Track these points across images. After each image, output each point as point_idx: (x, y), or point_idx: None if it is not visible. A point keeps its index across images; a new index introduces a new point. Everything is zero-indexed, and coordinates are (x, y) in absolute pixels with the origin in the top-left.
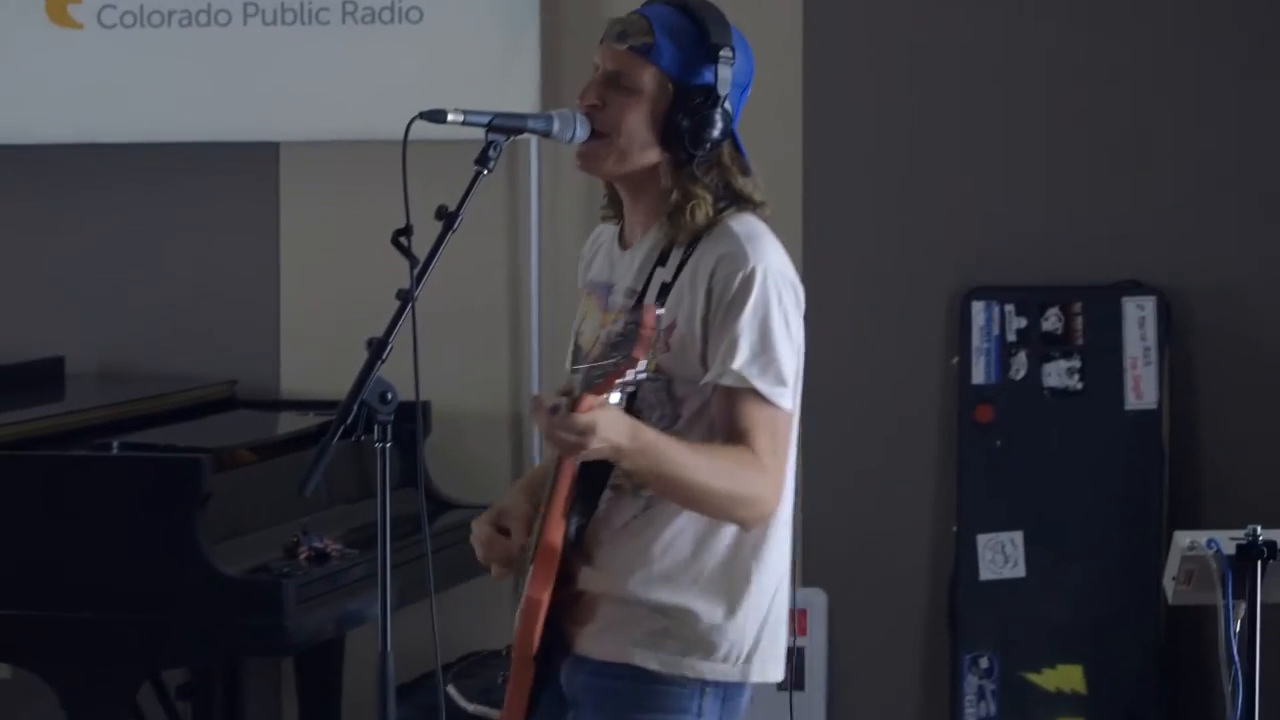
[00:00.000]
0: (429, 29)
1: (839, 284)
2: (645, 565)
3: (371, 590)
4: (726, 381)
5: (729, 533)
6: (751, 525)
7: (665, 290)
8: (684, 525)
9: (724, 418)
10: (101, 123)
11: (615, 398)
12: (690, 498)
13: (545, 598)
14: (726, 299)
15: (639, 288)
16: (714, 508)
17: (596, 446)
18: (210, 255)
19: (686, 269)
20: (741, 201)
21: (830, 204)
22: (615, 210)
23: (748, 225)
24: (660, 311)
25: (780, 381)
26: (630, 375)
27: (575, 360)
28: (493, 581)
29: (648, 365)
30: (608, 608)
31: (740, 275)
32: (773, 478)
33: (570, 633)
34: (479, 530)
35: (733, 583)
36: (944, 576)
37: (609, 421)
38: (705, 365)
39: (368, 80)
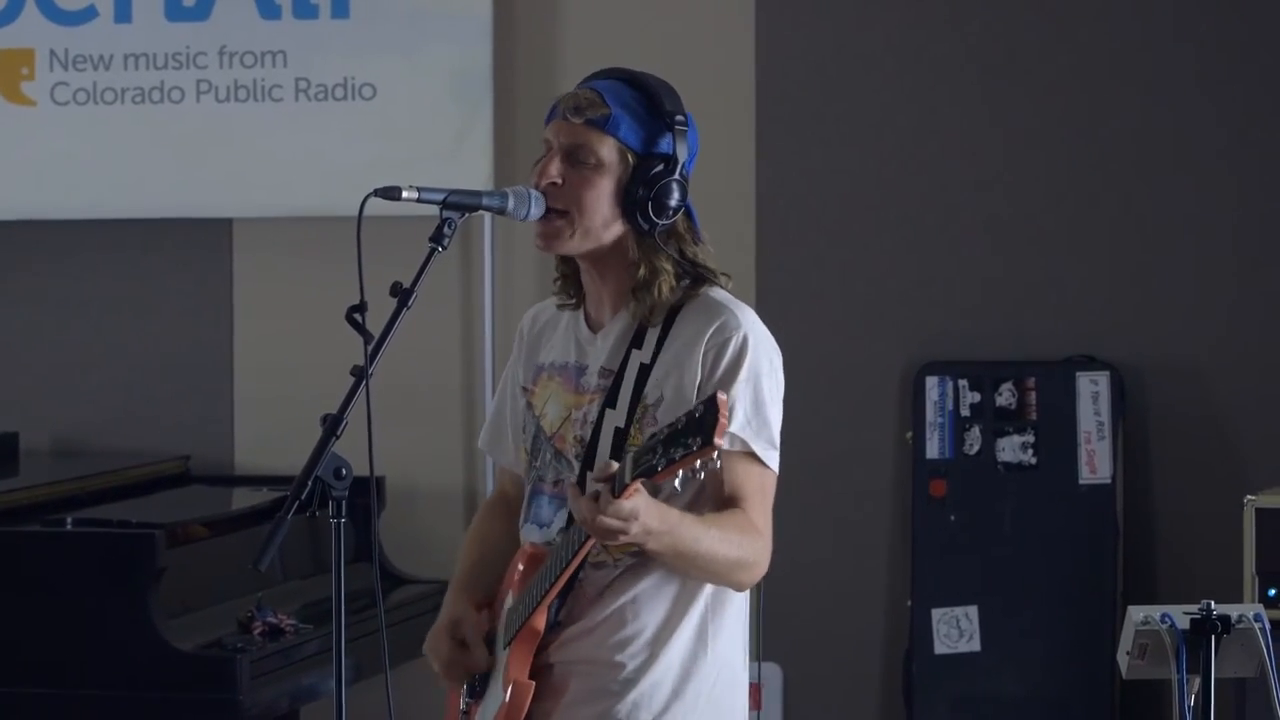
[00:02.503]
0: (382, 106)
1: (793, 360)
2: (621, 627)
3: (326, 665)
4: (722, 445)
5: (704, 594)
6: (746, 587)
7: (645, 371)
8: (656, 586)
9: (716, 479)
10: (55, 199)
11: (676, 483)
12: (701, 569)
13: (530, 681)
14: (721, 365)
15: (614, 368)
16: (719, 576)
17: (634, 533)
18: (164, 331)
19: (669, 345)
20: (703, 275)
21: (783, 279)
22: (570, 293)
23: (725, 296)
24: (723, 397)
25: (772, 445)
26: (702, 462)
27: (536, 443)
28: None
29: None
30: (581, 678)
31: (734, 342)
32: (766, 541)
33: (534, 710)
34: (438, 648)
35: (707, 642)
36: (899, 651)
37: (646, 506)
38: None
39: (321, 157)
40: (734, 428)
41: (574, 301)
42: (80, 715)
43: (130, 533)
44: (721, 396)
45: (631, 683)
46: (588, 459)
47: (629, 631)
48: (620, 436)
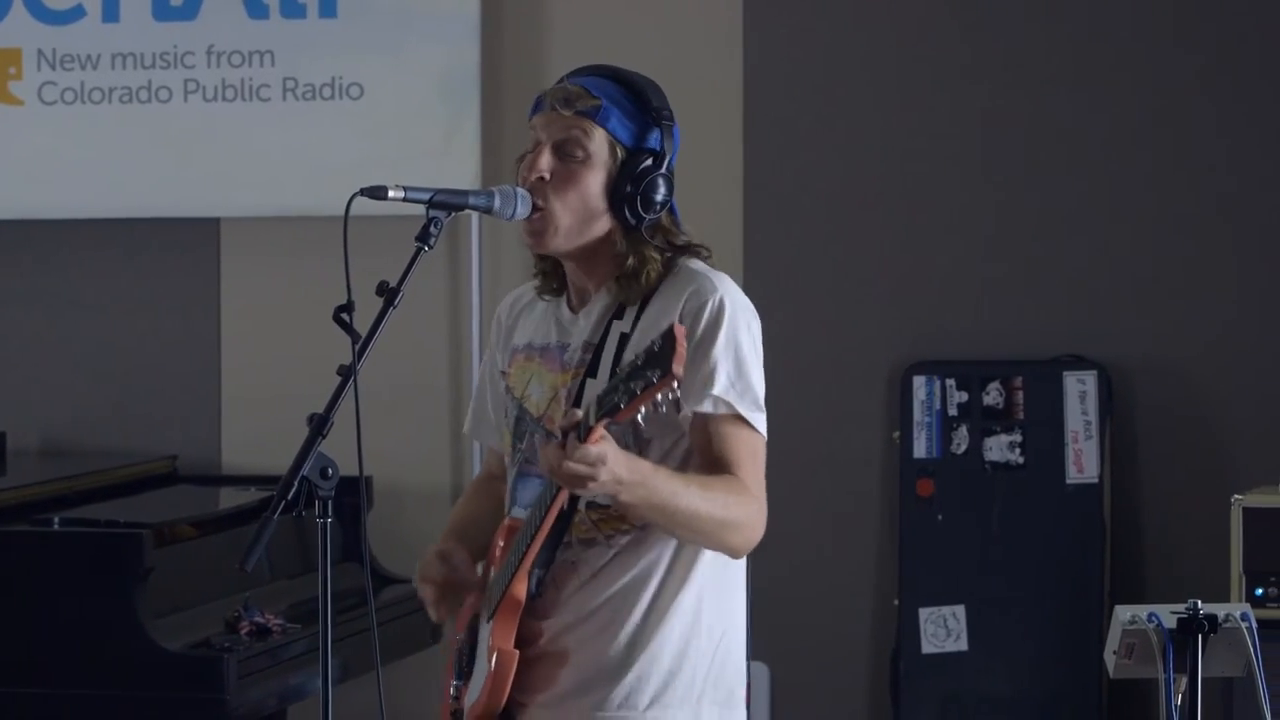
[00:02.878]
0: (369, 105)
1: (780, 358)
2: (619, 612)
3: (313, 665)
4: (706, 408)
5: (699, 575)
6: (741, 552)
7: (625, 340)
8: (652, 566)
9: (704, 444)
10: (42, 199)
11: (640, 418)
12: (685, 526)
13: (515, 649)
14: (698, 330)
15: (596, 341)
16: (707, 536)
17: (603, 480)
18: (151, 331)
19: (649, 313)
20: (686, 249)
21: (771, 279)
22: (549, 283)
23: (702, 266)
24: (680, 327)
25: (758, 406)
26: (664, 393)
27: (520, 425)
28: (435, 655)
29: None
30: (576, 665)
31: (710, 306)
32: (760, 503)
33: (519, 702)
34: (430, 571)
35: (701, 624)
36: (886, 650)
37: (614, 454)
38: (676, 401)
39: (308, 156)
40: (718, 390)
41: (554, 287)
42: (67, 715)
43: (118, 532)
44: (678, 326)
45: (627, 666)
46: None
47: (626, 616)
48: None
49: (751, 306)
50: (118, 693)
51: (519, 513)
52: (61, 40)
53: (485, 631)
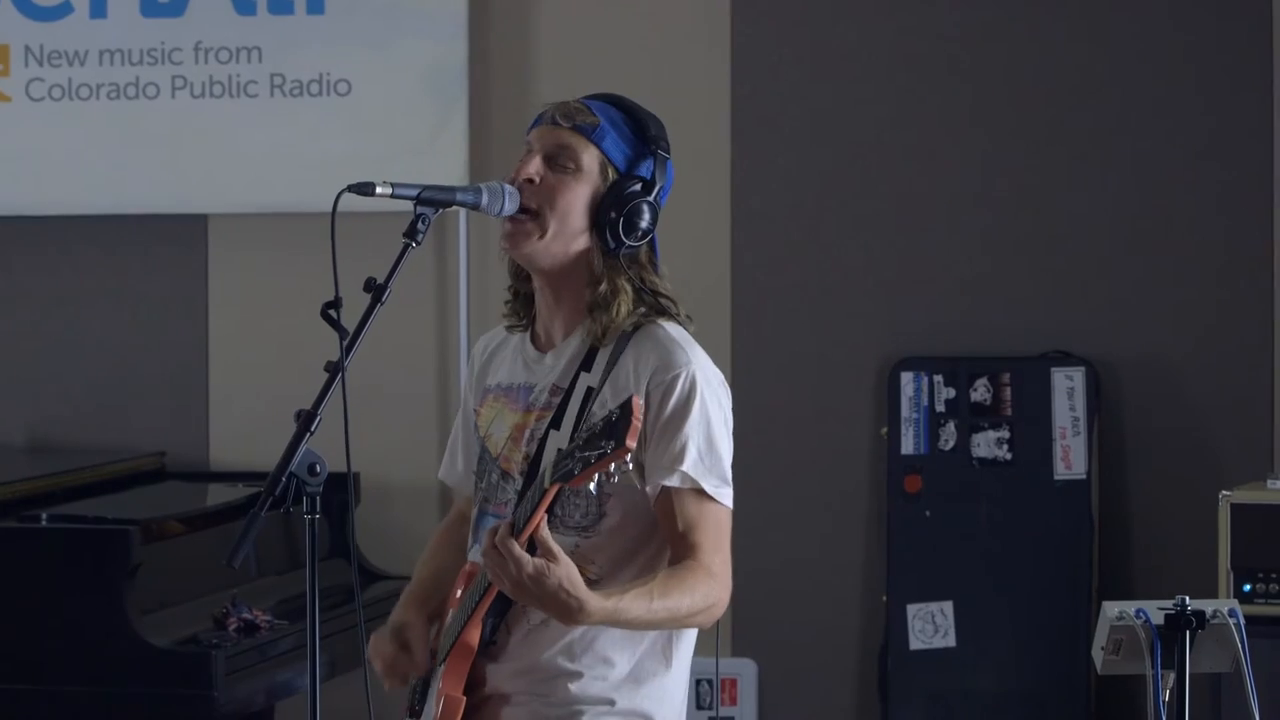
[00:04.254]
0: (358, 102)
1: (768, 355)
2: (571, 659)
3: (301, 661)
4: (673, 482)
5: (648, 635)
6: (705, 627)
7: (590, 395)
8: (599, 628)
9: (669, 519)
10: (29, 195)
11: (592, 486)
12: (647, 629)
13: (462, 695)
14: (669, 405)
15: (565, 386)
16: (675, 627)
17: (550, 586)
18: (139, 327)
19: (617, 371)
20: (663, 308)
21: (759, 276)
22: (520, 314)
23: (674, 330)
24: (638, 400)
25: (725, 481)
26: (617, 464)
27: (481, 464)
28: None
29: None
30: (523, 708)
31: (681, 381)
32: (722, 579)
33: None
34: (381, 648)
35: (651, 674)
36: (874, 646)
37: (556, 581)
38: (639, 466)
39: (296, 153)
40: (686, 467)
41: (524, 323)
42: (55, 711)
43: (105, 529)
44: (636, 400)
45: (579, 714)
46: (529, 478)
47: (581, 665)
48: None
49: (722, 378)
50: (106, 689)
51: (477, 555)
52: (49, 36)
53: (438, 674)
